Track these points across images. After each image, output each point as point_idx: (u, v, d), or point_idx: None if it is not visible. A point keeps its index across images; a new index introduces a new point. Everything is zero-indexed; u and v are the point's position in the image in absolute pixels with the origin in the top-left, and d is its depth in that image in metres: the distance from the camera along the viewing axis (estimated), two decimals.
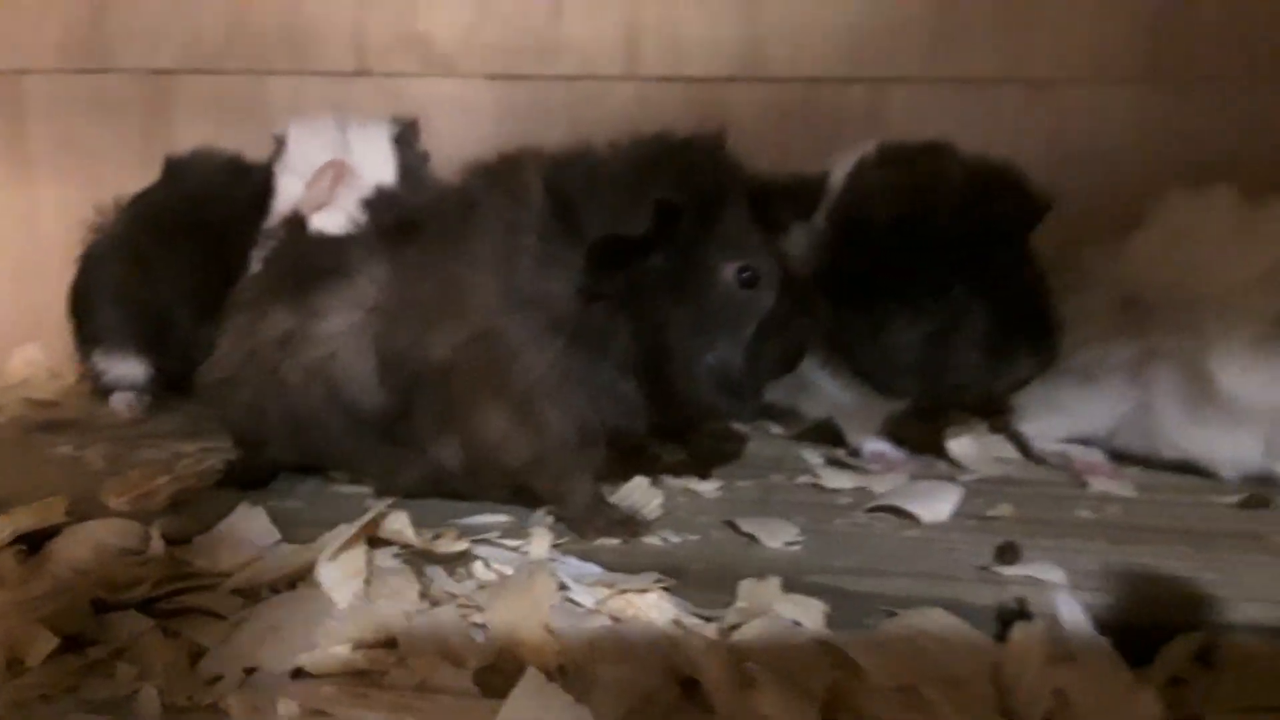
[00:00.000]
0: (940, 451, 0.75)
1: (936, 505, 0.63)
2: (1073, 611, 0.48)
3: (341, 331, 0.60)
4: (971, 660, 0.47)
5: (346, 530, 0.55)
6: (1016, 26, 0.93)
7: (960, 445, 0.76)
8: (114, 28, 1.06)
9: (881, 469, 0.73)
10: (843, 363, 0.71)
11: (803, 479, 0.70)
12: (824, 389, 0.74)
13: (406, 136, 0.86)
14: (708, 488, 0.68)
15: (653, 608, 0.52)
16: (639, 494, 0.65)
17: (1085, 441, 0.75)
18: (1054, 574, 0.53)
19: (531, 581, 0.52)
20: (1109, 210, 0.78)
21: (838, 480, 0.70)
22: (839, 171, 0.71)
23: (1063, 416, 0.74)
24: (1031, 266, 0.67)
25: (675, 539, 0.60)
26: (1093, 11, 0.92)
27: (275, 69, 1.04)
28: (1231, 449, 0.68)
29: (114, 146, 1.05)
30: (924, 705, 0.45)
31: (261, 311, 0.64)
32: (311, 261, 0.64)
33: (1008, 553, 0.57)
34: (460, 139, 1.01)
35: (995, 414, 0.79)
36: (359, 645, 0.48)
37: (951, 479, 0.70)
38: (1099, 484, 0.70)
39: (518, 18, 1.01)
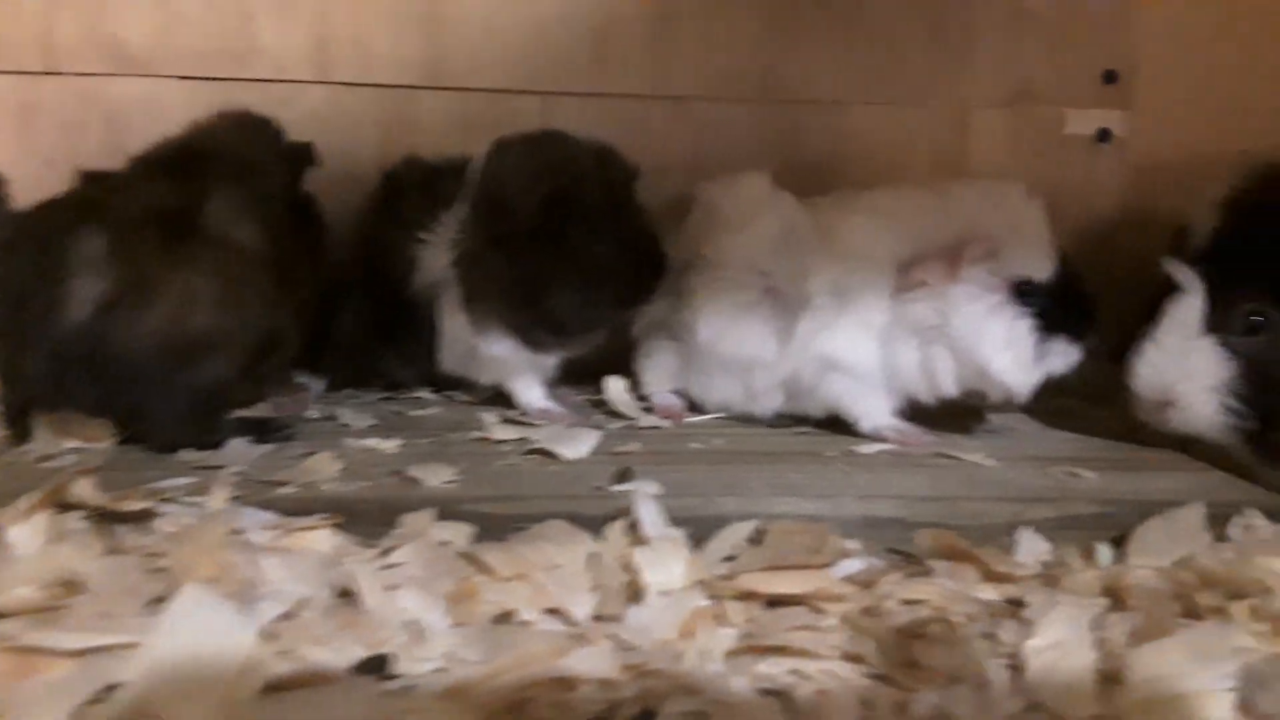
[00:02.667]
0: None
1: (577, 446, 0.78)
2: (650, 512, 0.63)
3: None
4: (573, 552, 0.61)
5: (33, 495, 0.61)
6: (661, 51, 1.10)
7: (615, 394, 0.91)
8: None
9: (546, 422, 0.87)
10: (499, 327, 0.84)
11: (474, 434, 0.83)
12: (490, 356, 0.87)
13: None
14: (389, 445, 0.79)
15: (320, 541, 0.62)
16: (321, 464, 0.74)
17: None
18: (650, 487, 0.68)
19: (207, 526, 0.60)
20: None
21: (503, 433, 0.83)
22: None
23: (651, 369, 0.91)
24: (645, 222, 0.85)
25: (350, 487, 0.70)
26: (716, 37, 1.10)
27: None
28: (720, 393, 0.88)
29: None
30: (537, 586, 0.58)
31: None
32: None
33: (623, 475, 0.71)
34: (153, 138, 1.05)
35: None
36: (44, 585, 0.55)
37: (600, 426, 0.86)
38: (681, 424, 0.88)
39: (209, 22, 1.06)
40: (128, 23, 1.06)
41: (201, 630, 0.50)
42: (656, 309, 0.91)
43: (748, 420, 0.89)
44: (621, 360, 0.96)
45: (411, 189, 0.93)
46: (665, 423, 0.88)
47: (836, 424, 0.85)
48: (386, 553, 0.61)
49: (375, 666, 0.52)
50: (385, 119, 1.09)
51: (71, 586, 0.55)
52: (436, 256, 0.87)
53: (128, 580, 0.56)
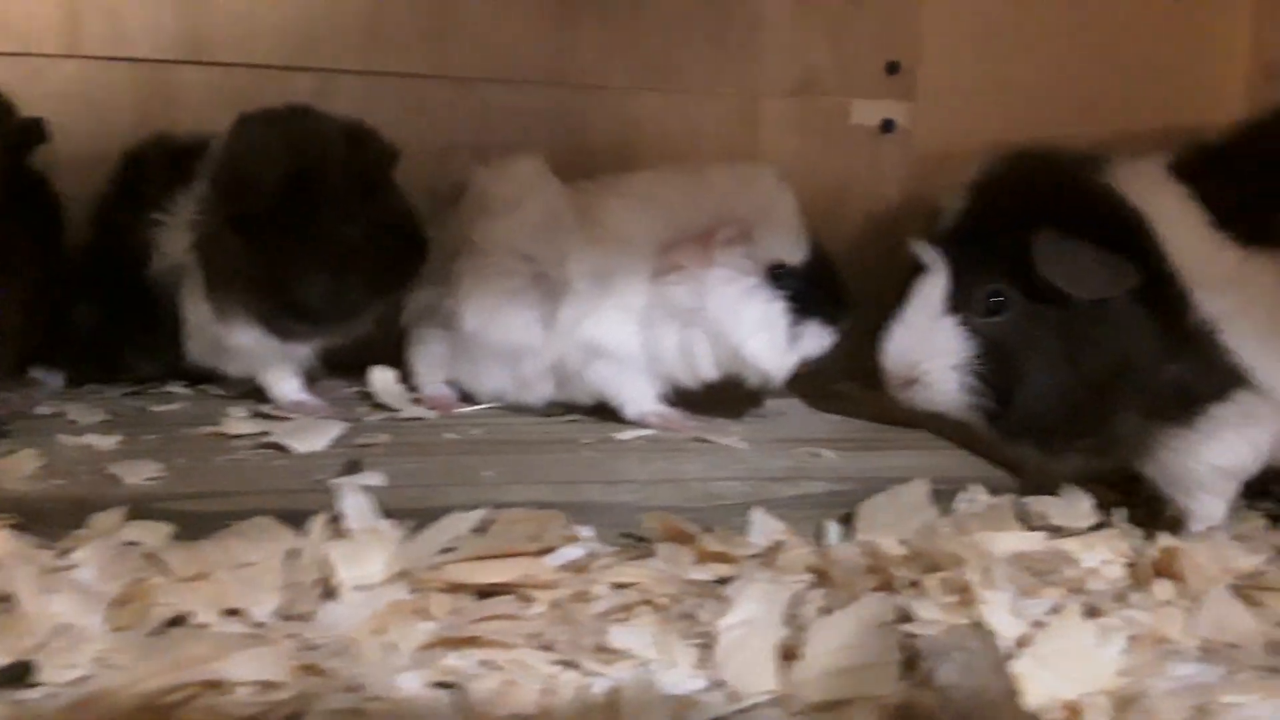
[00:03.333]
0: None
1: (314, 439, 0.73)
2: (355, 505, 0.59)
3: None
4: (268, 548, 0.56)
5: None
6: (442, 30, 1.06)
7: (382, 385, 0.87)
8: None
9: (302, 415, 0.82)
10: (244, 315, 0.79)
11: (209, 429, 0.77)
12: (237, 346, 0.82)
13: None
14: (106, 442, 0.73)
15: None
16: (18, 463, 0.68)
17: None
18: (374, 479, 0.65)
19: None
20: None
21: (242, 428, 0.77)
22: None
23: (422, 359, 0.88)
24: (402, 205, 0.82)
25: (42, 485, 0.64)
26: (499, 18, 1.07)
27: None
28: (492, 382, 0.85)
29: None
30: (219, 587, 0.53)
31: None
32: None
33: (350, 468, 0.67)
34: None
35: None
36: None
37: (359, 419, 0.81)
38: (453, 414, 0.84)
39: None
40: None
41: None
42: (425, 296, 0.87)
43: (520, 410, 0.86)
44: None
45: (153, 168, 0.87)
46: (431, 414, 0.85)
47: (608, 412, 0.83)
48: (65, 554, 0.56)
49: (16, 675, 0.47)
50: (142, 96, 1.01)
51: None
52: (175, 239, 0.81)
53: None
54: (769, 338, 0.77)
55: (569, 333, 0.80)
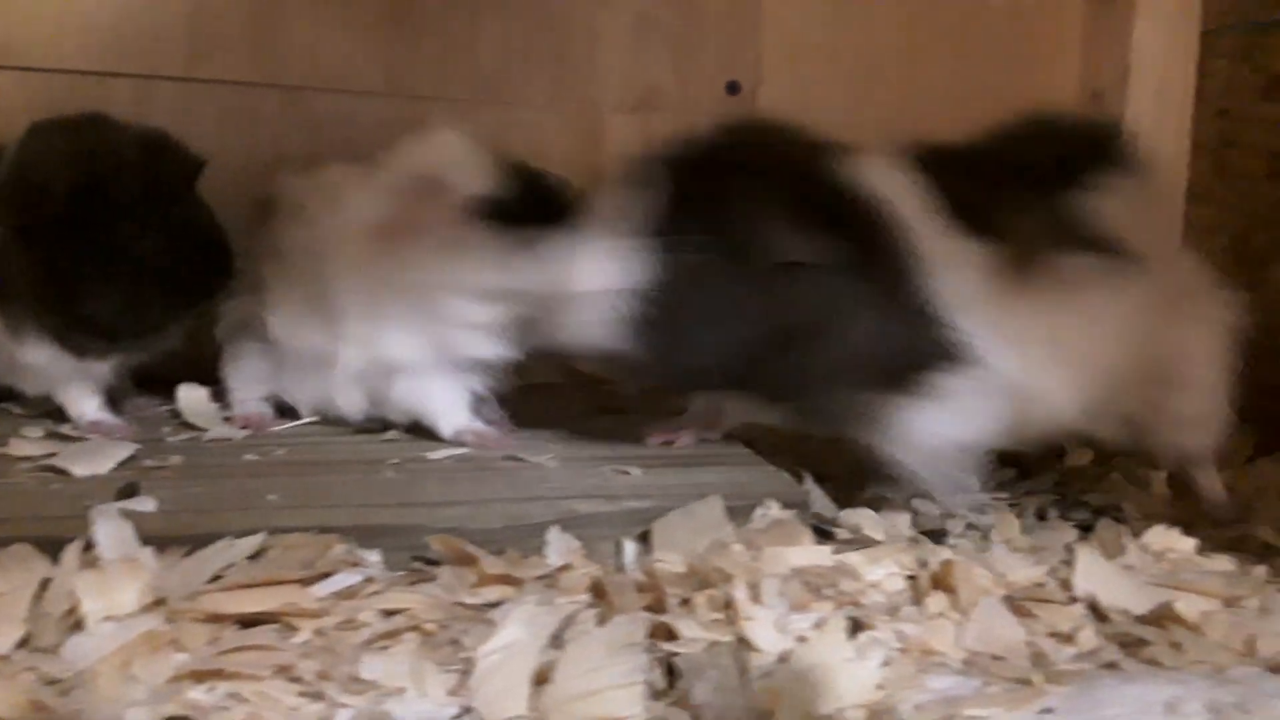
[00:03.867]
0: None
1: (98, 462, 0.70)
2: (108, 532, 0.56)
3: None
4: (21, 578, 0.53)
5: None
6: (270, 37, 1.03)
7: (189, 404, 0.83)
8: None
9: (99, 437, 0.78)
10: (34, 331, 0.75)
11: None
12: (30, 363, 0.77)
13: None
14: None
15: None
16: None
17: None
18: (145, 504, 0.62)
19: None
20: None
21: (26, 449, 0.73)
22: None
23: (237, 375, 0.85)
24: (204, 217, 0.79)
25: None
26: (330, 25, 1.05)
27: None
28: (309, 396, 0.83)
29: None
30: None
31: None
32: None
33: (125, 493, 0.64)
34: None
35: None
36: None
37: (160, 440, 0.78)
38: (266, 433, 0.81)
39: None
40: None
41: None
42: (240, 308, 0.84)
43: (337, 428, 0.83)
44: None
45: None
46: (239, 433, 0.81)
47: (424, 429, 0.81)
48: None
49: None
50: None
51: None
52: None
53: None
54: None
55: (361, 347, 0.77)
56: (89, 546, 0.56)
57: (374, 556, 0.60)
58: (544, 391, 1.00)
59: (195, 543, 0.58)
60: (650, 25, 1.13)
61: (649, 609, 0.52)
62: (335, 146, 1.05)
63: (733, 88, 1.14)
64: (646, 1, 1.12)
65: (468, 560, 0.58)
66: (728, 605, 0.52)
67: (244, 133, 1.02)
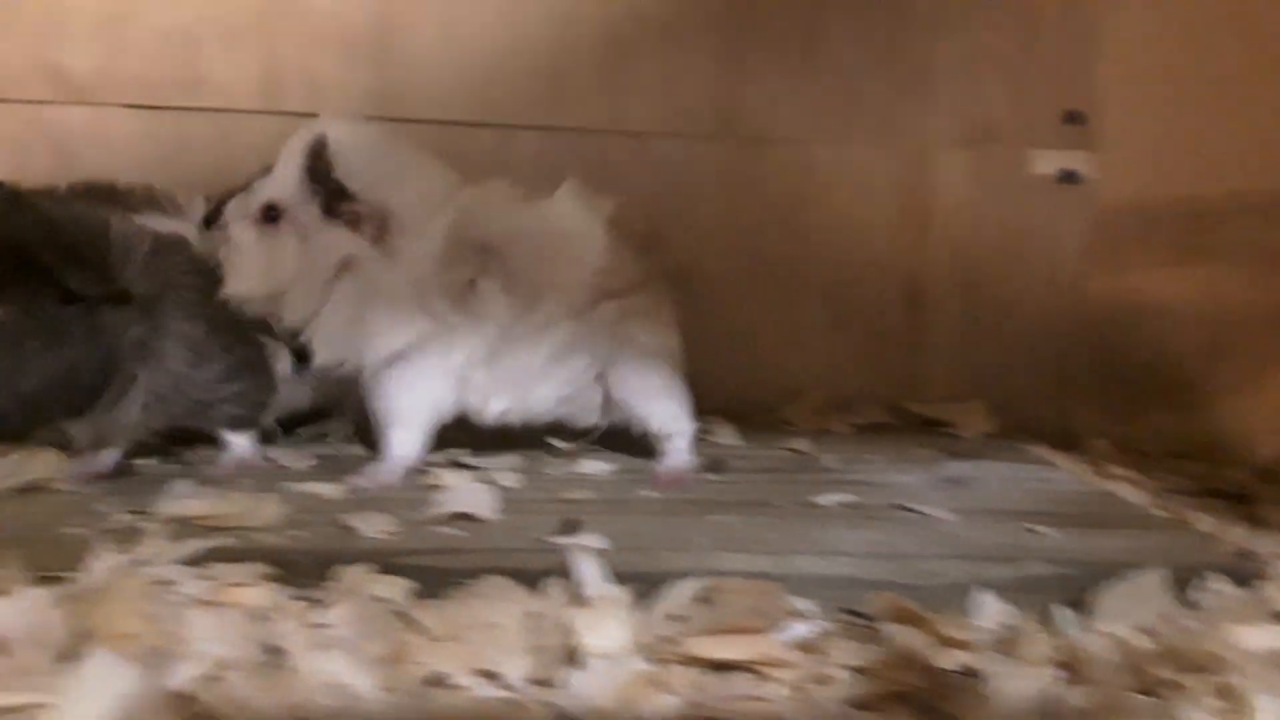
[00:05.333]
0: None
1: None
2: (590, 568, 0.60)
3: None
4: (508, 610, 0.58)
5: None
6: (619, 86, 1.09)
7: None
8: None
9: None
10: None
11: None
12: None
13: None
14: (331, 490, 0.76)
15: (253, 595, 0.59)
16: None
17: None
18: (598, 540, 0.66)
19: (126, 580, 0.57)
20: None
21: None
22: None
23: None
24: None
25: (284, 536, 0.67)
26: (673, 73, 1.09)
27: None
28: None
29: None
30: (468, 646, 0.55)
31: None
32: None
33: (567, 526, 0.69)
34: (102, 165, 1.03)
35: None
36: None
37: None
38: None
39: (158, 51, 1.04)
40: (72, 51, 1.03)
41: (110, 694, 0.47)
42: None
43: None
44: None
45: None
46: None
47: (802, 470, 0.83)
48: (316, 608, 0.59)
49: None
50: None
51: None
52: None
53: (48, 634, 0.53)
54: None
55: None
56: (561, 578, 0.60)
57: (804, 604, 0.62)
58: (879, 431, 1.01)
59: (637, 581, 0.62)
60: (985, 55, 1.11)
61: (1134, 691, 0.51)
62: (673, 189, 1.10)
63: (1073, 117, 1.11)
64: (981, 31, 1.10)
65: (913, 619, 0.59)
66: (1230, 693, 0.50)
67: (595, 177, 1.08)
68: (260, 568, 0.61)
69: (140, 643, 0.53)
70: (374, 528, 0.68)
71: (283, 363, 0.88)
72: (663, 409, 0.86)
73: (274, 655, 0.54)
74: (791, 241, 1.10)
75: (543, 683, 0.54)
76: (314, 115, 1.07)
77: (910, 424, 1.06)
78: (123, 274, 0.77)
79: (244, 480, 0.80)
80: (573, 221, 0.84)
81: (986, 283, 1.11)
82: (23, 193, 0.75)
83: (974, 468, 0.88)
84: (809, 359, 1.11)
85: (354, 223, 0.79)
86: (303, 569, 0.62)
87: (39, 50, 1.03)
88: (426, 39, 1.06)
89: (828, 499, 0.77)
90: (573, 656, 0.55)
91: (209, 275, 0.81)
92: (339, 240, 0.79)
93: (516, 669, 0.54)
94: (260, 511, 0.70)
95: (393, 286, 0.79)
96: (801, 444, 0.96)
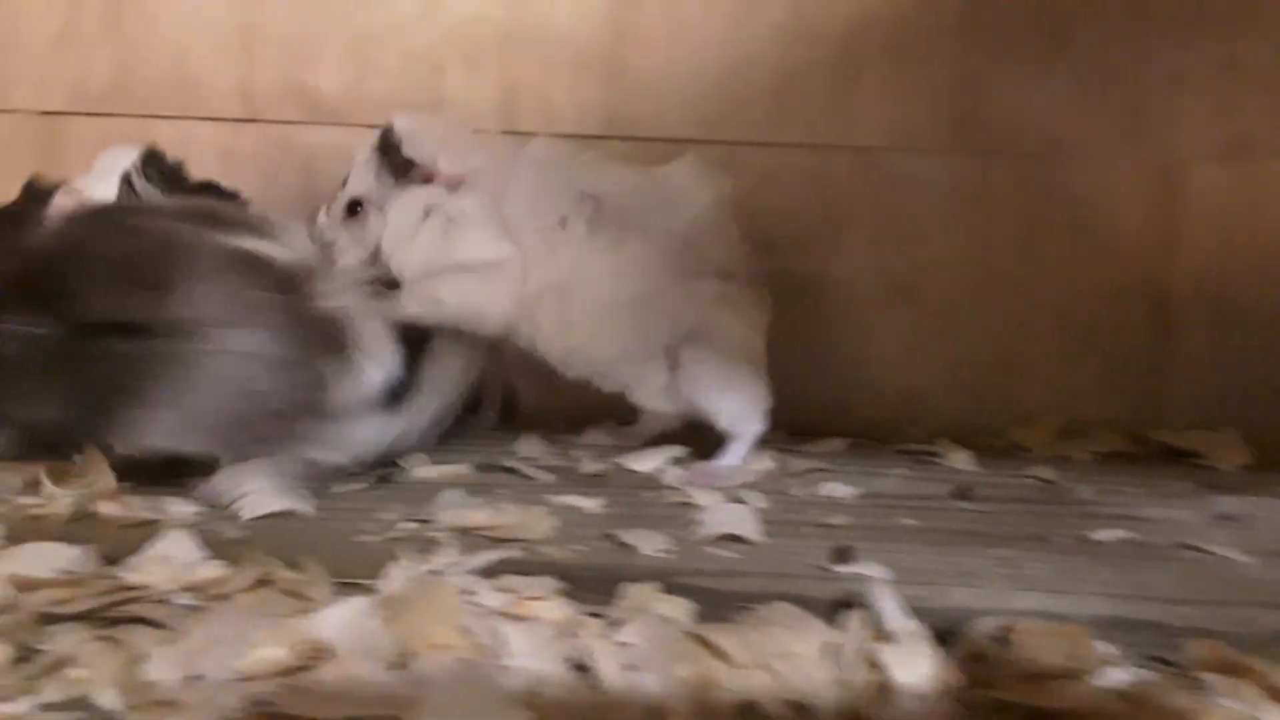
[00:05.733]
0: None
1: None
2: (891, 602, 0.59)
3: None
4: (803, 639, 0.57)
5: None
6: (844, 101, 1.07)
7: None
8: (3, 69, 1.08)
9: None
10: None
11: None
12: None
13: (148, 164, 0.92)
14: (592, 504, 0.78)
15: (551, 610, 0.61)
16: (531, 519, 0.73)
17: None
18: (877, 570, 0.65)
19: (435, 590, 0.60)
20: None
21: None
22: None
23: None
24: None
25: (564, 550, 0.68)
26: (902, 87, 1.07)
27: (163, 114, 1.08)
28: None
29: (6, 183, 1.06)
30: (772, 674, 0.55)
31: None
32: None
33: (839, 554, 0.68)
34: None
35: None
36: (294, 648, 0.54)
37: None
38: None
39: (402, 73, 1.08)
40: (322, 73, 1.09)
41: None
42: None
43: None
44: None
45: None
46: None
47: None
48: (612, 627, 0.60)
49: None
50: None
51: (318, 648, 0.55)
52: None
53: (374, 644, 0.55)
54: None
55: None
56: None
57: (1106, 648, 0.59)
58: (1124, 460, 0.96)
59: (932, 616, 0.60)
60: (1240, 64, 1.04)
61: None
62: (901, 204, 1.08)
63: None
64: (1236, 43, 1.04)
65: (1238, 669, 0.56)
66: None
67: (819, 192, 1.07)
68: (551, 582, 0.63)
69: (456, 654, 0.55)
70: (651, 546, 0.68)
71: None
72: (731, 406, 0.86)
73: (582, 672, 0.55)
74: (1025, 259, 1.06)
75: (853, 718, 0.54)
76: (547, 135, 1.11)
77: (1155, 453, 1.01)
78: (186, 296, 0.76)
79: (500, 489, 0.82)
80: (681, 183, 0.87)
81: (1240, 304, 1.04)
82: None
83: (1246, 503, 0.83)
84: (1040, 381, 1.07)
85: (428, 180, 0.83)
86: (589, 584, 0.63)
87: (291, 72, 1.09)
88: (657, 56, 1.07)
89: (1105, 535, 0.74)
90: (882, 693, 0.55)
91: (293, 293, 0.79)
92: (415, 195, 0.83)
93: (826, 702, 0.54)
94: (535, 524, 0.72)
95: (475, 212, 0.83)
96: (1044, 472, 0.92)
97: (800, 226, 1.06)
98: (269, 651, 0.54)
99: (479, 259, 0.83)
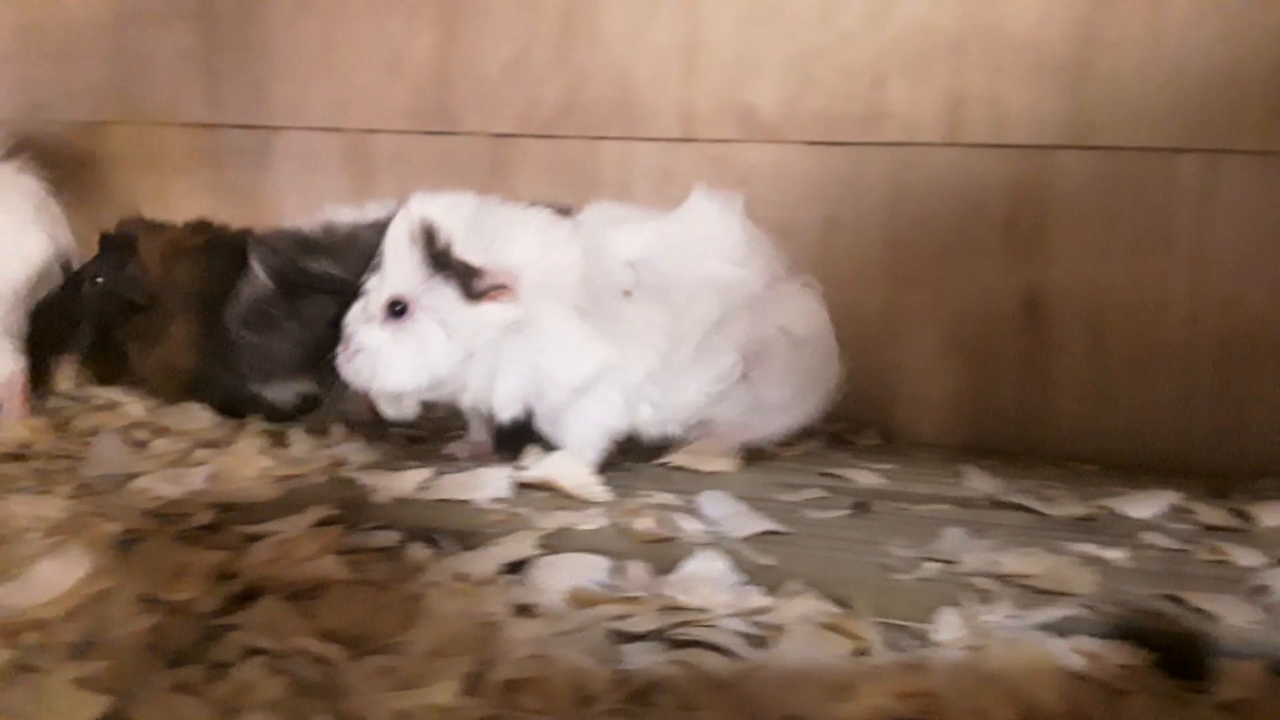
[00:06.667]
0: None
1: None
2: None
3: None
4: None
5: None
6: None
7: None
8: (458, 95, 1.17)
9: None
10: None
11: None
12: None
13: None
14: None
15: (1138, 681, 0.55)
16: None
17: None
18: None
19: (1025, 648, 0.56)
20: None
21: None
22: None
23: None
24: None
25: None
26: None
27: (607, 135, 1.12)
28: None
29: None
30: None
31: None
32: None
33: None
34: (779, 203, 1.07)
35: None
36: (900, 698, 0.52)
37: None
38: None
39: (841, 87, 1.06)
40: (761, 90, 1.08)
41: None
42: None
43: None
44: None
45: None
46: None
47: None
48: None
49: None
50: (1015, 181, 1.03)
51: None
52: None
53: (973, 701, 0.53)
54: None
55: None
56: None
57: None
58: None
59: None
60: None
61: None
62: None
63: None
64: None
65: None
66: None
67: None
68: (1131, 649, 0.57)
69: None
70: (1236, 615, 0.61)
71: None
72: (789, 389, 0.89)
73: None
74: None
75: None
76: (995, 147, 1.05)
77: None
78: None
79: (997, 530, 0.76)
80: (708, 219, 0.88)
81: None
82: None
83: None
84: None
85: (497, 294, 0.79)
86: (1176, 652, 0.57)
87: (730, 91, 1.09)
88: (1131, 60, 0.98)
89: None
90: None
91: None
92: (493, 315, 0.80)
93: None
94: (1071, 576, 0.66)
95: (561, 326, 0.80)
96: None
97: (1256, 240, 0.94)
98: (872, 701, 0.52)
99: (583, 376, 0.81)
